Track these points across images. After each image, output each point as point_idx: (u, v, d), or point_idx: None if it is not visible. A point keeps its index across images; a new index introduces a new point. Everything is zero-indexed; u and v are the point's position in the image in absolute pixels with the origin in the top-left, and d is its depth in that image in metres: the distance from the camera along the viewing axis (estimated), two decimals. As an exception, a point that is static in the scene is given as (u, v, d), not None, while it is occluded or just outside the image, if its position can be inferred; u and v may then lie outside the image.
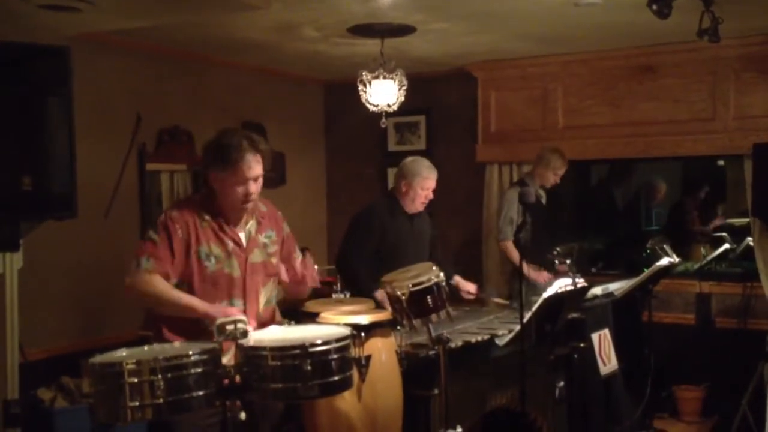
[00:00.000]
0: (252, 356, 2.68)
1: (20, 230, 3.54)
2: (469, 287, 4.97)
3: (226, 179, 3.17)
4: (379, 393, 3.50)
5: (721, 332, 5.98)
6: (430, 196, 4.80)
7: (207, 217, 3.23)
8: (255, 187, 3.21)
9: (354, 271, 4.58)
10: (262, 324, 3.20)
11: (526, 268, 5.22)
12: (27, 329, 3.81)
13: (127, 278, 3.11)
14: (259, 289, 3.31)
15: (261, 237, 3.35)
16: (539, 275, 5.51)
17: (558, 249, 5.19)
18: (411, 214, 4.80)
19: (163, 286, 3.09)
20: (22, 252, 3.59)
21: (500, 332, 4.07)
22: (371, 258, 4.59)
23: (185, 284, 3.17)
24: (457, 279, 4.97)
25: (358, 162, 7.48)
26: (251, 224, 3.33)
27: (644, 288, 5.29)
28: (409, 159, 4.86)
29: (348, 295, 4.04)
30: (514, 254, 5.54)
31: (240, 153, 3.14)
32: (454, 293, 4.73)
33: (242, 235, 3.30)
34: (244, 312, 3.15)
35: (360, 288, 4.30)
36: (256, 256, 3.31)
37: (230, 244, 3.24)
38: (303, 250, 3.63)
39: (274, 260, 3.40)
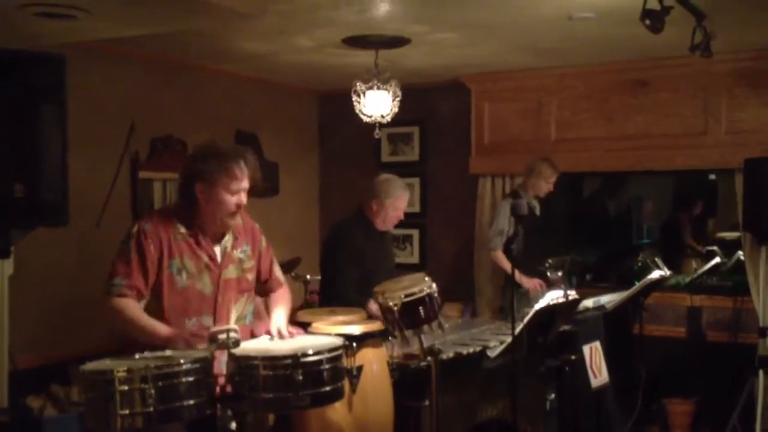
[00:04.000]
0: (244, 366, 2.68)
1: (11, 237, 3.52)
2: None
3: (217, 191, 3.13)
4: (370, 403, 3.50)
5: (712, 346, 5.99)
6: (401, 216, 4.72)
7: (182, 230, 3.18)
8: (244, 198, 3.18)
9: (346, 300, 4.43)
10: None
11: (518, 275, 5.22)
12: (17, 337, 3.79)
13: (103, 295, 3.11)
14: (231, 306, 3.25)
15: (236, 252, 3.30)
16: (530, 281, 5.51)
17: (550, 261, 5.20)
18: (381, 232, 4.74)
19: (134, 313, 3.06)
20: (13, 259, 3.57)
21: (492, 344, 4.08)
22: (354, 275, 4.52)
23: (154, 297, 3.14)
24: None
25: (352, 172, 7.47)
26: (227, 239, 3.27)
27: (635, 301, 5.29)
28: (382, 177, 4.76)
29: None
30: (505, 263, 5.54)
31: (227, 165, 3.11)
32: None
33: (217, 250, 3.24)
34: None
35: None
36: (230, 272, 3.25)
37: (204, 259, 3.19)
38: None
39: (249, 276, 3.34)
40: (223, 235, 3.26)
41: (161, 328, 3.02)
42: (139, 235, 3.13)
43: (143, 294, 3.10)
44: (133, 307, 3.07)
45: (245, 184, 3.18)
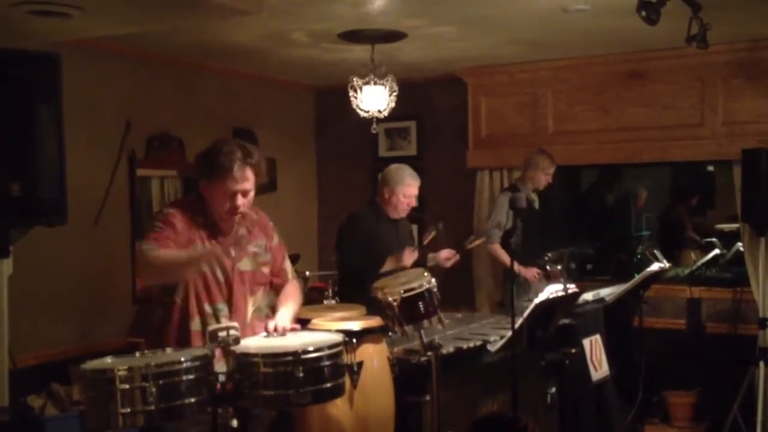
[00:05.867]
0: (244, 363, 2.68)
1: (10, 237, 3.51)
2: (445, 254, 4.92)
3: (215, 189, 3.18)
4: (371, 399, 3.50)
5: (712, 337, 6.00)
6: (413, 203, 4.81)
7: (200, 219, 3.24)
8: (243, 201, 3.19)
9: (360, 277, 4.41)
10: (251, 333, 3.20)
11: (517, 266, 5.23)
12: (17, 336, 3.78)
13: (136, 267, 3.20)
14: (248, 297, 3.30)
15: (251, 246, 3.34)
16: (528, 271, 5.51)
17: (549, 254, 5.20)
18: (395, 219, 4.82)
19: (161, 253, 3.02)
20: (11, 258, 3.57)
21: (492, 338, 4.07)
22: (365, 264, 4.57)
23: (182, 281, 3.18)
24: (432, 255, 4.95)
25: (349, 168, 7.48)
26: (242, 232, 3.33)
27: (635, 293, 5.30)
28: (393, 166, 4.87)
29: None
30: (503, 255, 5.56)
31: (229, 165, 3.13)
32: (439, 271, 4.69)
33: (231, 241, 3.29)
34: (230, 319, 3.14)
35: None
36: (245, 265, 3.30)
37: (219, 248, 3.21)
38: None
39: (265, 270, 3.39)
40: (236, 230, 3.31)
41: (189, 252, 3.07)
42: (166, 216, 3.19)
43: None
44: (160, 251, 3.04)
45: (245, 186, 3.18)
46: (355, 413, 3.47)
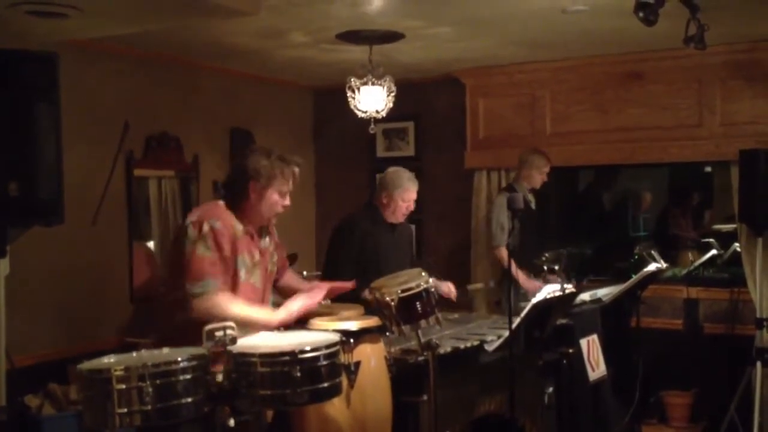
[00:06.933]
0: (241, 363, 2.67)
1: (7, 236, 3.52)
2: (445, 288, 4.86)
3: (272, 192, 3.31)
4: (368, 399, 3.50)
5: (709, 337, 6.00)
6: (412, 207, 4.76)
7: (239, 226, 3.30)
8: (287, 203, 3.39)
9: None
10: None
11: (519, 274, 5.24)
12: (14, 335, 3.78)
13: (195, 301, 3.13)
14: (269, 298, 3.46)
15: (270, 248, 3.49)
16: (529, 283, 5.50)
17: (546, 255, 5.21)
18: (393, 224, 4.78)
19: (239, 307, 3.18)
20: (8, 258, 3.57)
21: (489, 338, 4.08)
22: (356, 267, 4.55)
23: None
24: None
25: (347, 168, 7.48)
26: (264, 235, 3.46)
27: (632, 293, 5.30)
28: (391, 170, 4.82)
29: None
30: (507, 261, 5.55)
31: (285, 167, 3.33)
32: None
33: (261, 245, 3.42)
34: None
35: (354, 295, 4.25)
36: (270, 266, 3.46)
37: (256, 255, 3.35)
38: None
39: (276, 267, 3.57)
40: (262, 231, 3.43)
41: (272, 316, 3.26)
42: (215, 234, 3.20)
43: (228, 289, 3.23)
44: (235, 300, 3.20)
45: (291, 187, 3.39)
46: (353, 413, 3.47)
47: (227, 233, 3.22)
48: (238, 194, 3.33)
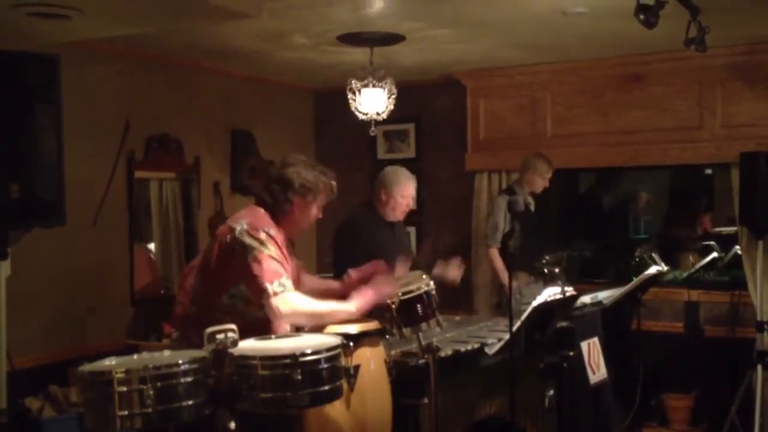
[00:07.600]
0: (242, 365, 2.67)
1: (8, 238, 3.52)
2: (453, 273, 4.67)
3: (314, 205, 3.42)
4: (369, 402, 3.49)
5: (710, 340, 6.00)
6: (411, 204, 4.78)
7: (279, 237, 3.32)
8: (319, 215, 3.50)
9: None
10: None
11: (505, 275, 5.22)
12: (15, 338, 3.78)
13: (273, 300, 3.13)
14: None
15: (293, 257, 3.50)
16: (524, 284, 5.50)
17: (547, 257, 5.20)
18: (391, 222, 4.78)
19: (317, 302, 3.23)
20: (9, 260, 3.57)
21: (490, 341, 4.07)
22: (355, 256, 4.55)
23: None
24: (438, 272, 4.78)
25: (348, 170, 7.44)
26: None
27: (633, 296, 5.30)
28: (388, 168, 4.83)
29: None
30: (497, 262, 5.59)
31: (332, 184, 3.47)
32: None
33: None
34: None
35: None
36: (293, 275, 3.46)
37: (291, 264, 3.36)
38: None
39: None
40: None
41: (349, 306, 3.27)
42: (273, 239, 3.24)
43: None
44: (311, 298, 3.23)
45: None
46: (353, 416, 3.46)
47: (279, 241, 3.27)
48: (279, 205, 3.36)
